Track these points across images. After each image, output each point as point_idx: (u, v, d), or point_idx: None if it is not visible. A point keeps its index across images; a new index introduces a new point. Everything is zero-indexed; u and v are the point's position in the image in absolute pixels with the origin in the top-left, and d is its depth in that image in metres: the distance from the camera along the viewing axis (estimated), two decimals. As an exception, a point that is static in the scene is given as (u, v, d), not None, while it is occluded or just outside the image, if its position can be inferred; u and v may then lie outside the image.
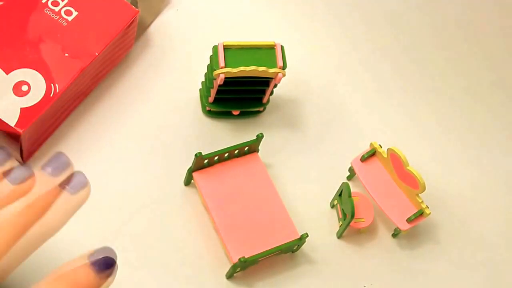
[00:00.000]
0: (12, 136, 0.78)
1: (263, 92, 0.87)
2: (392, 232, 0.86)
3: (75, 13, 0.84)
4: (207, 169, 0.83)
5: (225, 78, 0.82)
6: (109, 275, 0.57)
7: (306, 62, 0.95)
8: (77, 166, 0.84)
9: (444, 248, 0.87)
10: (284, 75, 0.83)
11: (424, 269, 0.85)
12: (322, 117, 0.92)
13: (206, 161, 0.82)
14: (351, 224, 0.83)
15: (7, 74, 0.80)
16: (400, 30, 0.99)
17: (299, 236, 0.81)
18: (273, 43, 0.83)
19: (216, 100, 0.87)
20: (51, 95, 0.80)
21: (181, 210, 0.84)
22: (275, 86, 0.86)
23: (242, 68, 0.81)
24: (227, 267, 0.81)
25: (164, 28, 0.93)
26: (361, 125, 0.92)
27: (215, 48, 0.83)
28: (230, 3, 0.97)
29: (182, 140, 0.88)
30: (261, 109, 0.90)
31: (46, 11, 0.83)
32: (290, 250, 0.82)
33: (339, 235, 0.85)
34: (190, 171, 0.83)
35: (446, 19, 1.01)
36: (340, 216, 0.85)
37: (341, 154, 0.89)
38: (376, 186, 0.85)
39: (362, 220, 0.85)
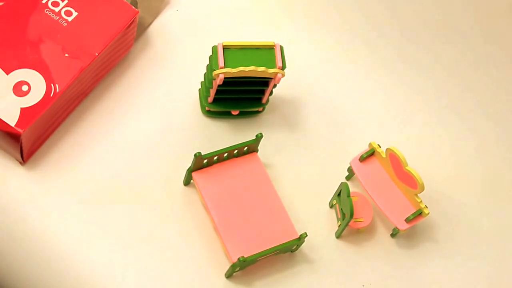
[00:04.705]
0: (12, 136, 0.78)
1: (263, 92, 0.87)
2: (391, 232, 0.86)
3: (75, 14, 0.84)
4: (207, 169, 0.84)
5: (225, 78, 0.82)
6: None
7: (305, 62, 0.95)
8: (77, 166, 0.85)
9: (442, 248, 0.87)
10: (283, 75, 0.83)
11: (422, 269, 0.86)
12: (321, 117, 0.92)
13: (205, 161, 0.83)
14: (350, 224, 0.83)
15: (7, 74, 0.80)
16: (400, 33, 1.00)
17: (298, 236, 0.81)
18: (272, 44, 0.83)
19: (216, 100, 0.87)
20: (51, 95, 0.80)
21: (180, 210, 0.84)
22: (275, 86, 0.86)
23: (241, 68, 0.81)
24: (226, 267, 0.81)
25: (164, 28, 0.94)
26: (360, 125, 0.92)
27: (214, 48, 0.83)
28: (229, 3, 0.97)
29: (181, 140, 0.88)
30: (260, 109, 0.90)
31: (46, 11, 0.84)
32: (289, 249, 0.82)
33: (338, 235, 0.85)
34: (190, 171, 0.83)
35: (443, 19, 1.01)
36: (339, 216, 0.85)
37: (340, 154, 0.89)
38: (375, 186, 0.85)
39: (361, 220, 0.85)
